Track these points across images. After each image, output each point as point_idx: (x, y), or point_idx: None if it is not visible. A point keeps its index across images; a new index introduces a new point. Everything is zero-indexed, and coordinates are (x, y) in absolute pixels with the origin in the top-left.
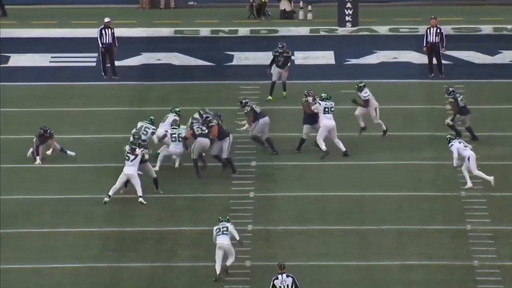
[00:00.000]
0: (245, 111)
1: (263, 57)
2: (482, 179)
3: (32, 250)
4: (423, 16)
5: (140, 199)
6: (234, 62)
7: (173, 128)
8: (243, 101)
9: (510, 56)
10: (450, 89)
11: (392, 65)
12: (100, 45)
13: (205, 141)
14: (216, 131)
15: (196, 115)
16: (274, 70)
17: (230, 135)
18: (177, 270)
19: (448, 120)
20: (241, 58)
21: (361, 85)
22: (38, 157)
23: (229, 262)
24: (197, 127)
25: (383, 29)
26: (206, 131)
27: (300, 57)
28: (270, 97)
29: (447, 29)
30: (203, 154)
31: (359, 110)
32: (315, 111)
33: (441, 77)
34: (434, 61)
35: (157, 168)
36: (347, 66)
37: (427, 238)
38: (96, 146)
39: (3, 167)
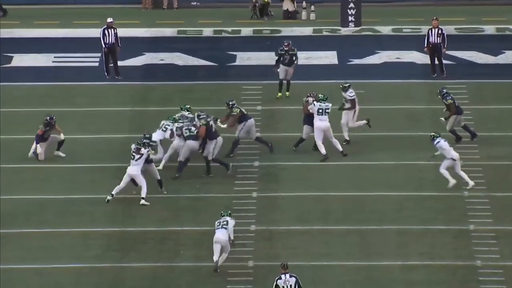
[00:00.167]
0: (234, 112)
1: (266, 57)
2: (465, 180)
3: (33, 250)
4: (426, 16)
5: (142, 201)
6: (237, 62)
7: (181, 123)
8: (230, 103)
9: None
10: (444, 90)
11: (395, 65)
12: (103, 45)
13: (194, 144)
14: (204, 132)
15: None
16: (281, 68)
17: (219, 137)
18: (179, 270)
19: (448, 127)
20: (244, 58)
21: (346, 85)
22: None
23: (221, 260)
24: (185, 129)
25: (386, 29)
26: (195, 132)
27: (303, 57)
28: (279, 94)
29: (449, 29)
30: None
31: (345, 118)
32: (310, 111)
33: (443, 77)
34: (436, 61)
35: (160, 167)
36: (350, 66)
37: (429, 238)
38: (99, 146)
39: (5, 167)
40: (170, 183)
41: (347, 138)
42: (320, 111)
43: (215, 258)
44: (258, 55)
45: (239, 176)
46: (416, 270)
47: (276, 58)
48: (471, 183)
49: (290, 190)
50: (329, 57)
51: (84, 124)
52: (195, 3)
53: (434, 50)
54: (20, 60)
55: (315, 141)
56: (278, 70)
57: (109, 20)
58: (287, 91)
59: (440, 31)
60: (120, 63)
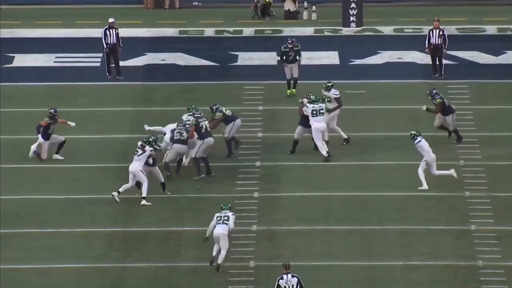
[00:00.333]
0: (216, 116)
1: (268, 57)
2: (445, 175)
3: (36, 250)
4: (427, 16)
5: (143, 201)
6: (239, 62)
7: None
8: (214, 107)
9: None
10: (434, 91)
11: (396, 65)
12: (105, 46)
13: (181, 148)
14: (192, 131)
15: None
16: (286, 67)
17: (208, 138)
18: (181, 270)
19: (436, 124)
20: (246, 58)
21: (329, 84)
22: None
23: (220, 258)
24: (177, 132)
25: (387, 30)
26: (186, 137)
27: (305, 57)
28: (288, 91)
29: (451, 29)
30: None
31: (328, 119)
32: (304, 113)
33: (441, 78)
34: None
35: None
36: (351, 66)
37: (431, 238)
38: (100, 146)
39: (7, 167)
40: (172, 183)
41: (345, 136)
42: (314, 112)
43: (214, 252)
44: (259, 55)
45: (241, 176)
46: (418, 270)
47: (279, 56)
48: (425, 186)
49: (292, 190)
50: (330, 57)
51: (86, 124)
52: (196, 3)
53: (435, 51)
54: (22, 60)
55: (294, 144)
56: (285, 68)
57: (111, 20)
58: (294, 88)
59: (441, 32)
60: (121, 63)
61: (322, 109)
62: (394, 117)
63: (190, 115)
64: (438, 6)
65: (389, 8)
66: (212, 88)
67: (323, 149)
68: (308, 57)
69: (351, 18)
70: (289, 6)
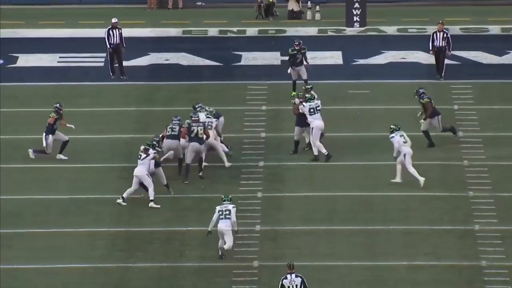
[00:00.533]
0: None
1: (271, 57)
2: (414, 177)
3: (40, 250)
4: (431, 16)
5: (151, 204)
6: (242, 62)
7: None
8: (197, 106)
9: None
10: (421, 90)
11: (400, 65)
12: (108, 46)
13: (173, 143)
14: (184, 133)
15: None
16: (293, 70)
17: (192, 143)
18: (184, 270)
19: (422, 128)
20: (249, 58)
21: (308, 87)
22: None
23: (226, 246)
24: (169, 127)
25: (391, 29)
26: (177, 133)
27: (308, 57)
28: (294, 93)
29: (454, 29)
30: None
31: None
32: (300, 112)
33: (441, 79)
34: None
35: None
36: (355, 66)
37: (434, 238)
38: (104, 146)
39: (10, 167)
40: (176, 184)
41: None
42: (312, 110)
43: (220, 244)
44: (263, 55)
45: (244, 176)
46: (422, 270)
47: (288, 58)
48: (399, 179)
49: (295, 190)
50: (334, 57)
51: (89, 124)
52: (200, 3)
53: (439, 53)
54: (25, 60)
55: (308, 141)
56: (289, 71)
57: (114, 20)
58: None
59: (445, 35)
60: (125, 63)
61: (318, 106)
62: (397, 117)
63: (208, 116)
64: (442, 6)
65: (393, 8)
66: (215, 88)
67: (322, 148)
68: (312, 57)
69: (355, 18)
70: (292, 6)
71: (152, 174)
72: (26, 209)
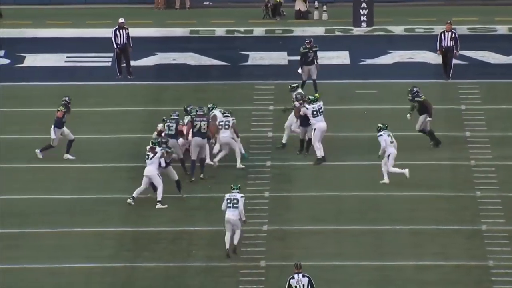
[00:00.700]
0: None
1: (278, 57)
2: (398, 173)
3: (47, 250)
4: (438, 16)
5: (158, 205)
6: (249, 62)
7: (225, 116)
8: (188, 108)
9: None
10: (415, 89)
11: (407, 65)
12: (115, 46)
13: (171, 142)
14: (188, 129)
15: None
16: (304, 69)
17: (195, 138)
18: (191, 270)
19: (418, 126)
20: (256, 58)
21: (294, 85)
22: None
23: (236, 240)
24: (166, 126)
25: (398, 29)
26: (174, 131)
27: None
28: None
29: (462, 29)
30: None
31: (289, 121)
32: (302, 114)
33: (449, 80)
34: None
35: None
36: (362, 66)
37: (442, 238)
38: (111, 146)
39: (18, 167)
40: (183, 183)
41: (284, 142)
42: (315, 112)
43: (226, 241)
44: (270, 55)
45: (252, 176)
46: (430, 270)
47: (299, 57)
48: (386, 181)
49: (303, 190)
50: (341, 57)
51: (96, 124)
52: (207, 3)
53: (447, 54)
54: (33, 60)
55: (301, 144)
56: (299, 71)
57: (121, 20)
58: (316, 91)
59: (453, 35)
60: (132, 63)
61: (321, 108)
62: (404, 117)
63: (226, 116)
64: (449, 6)
65: (400, 8)
66: (222, 88)
67: (319, 150)
68: (319, 57)
69: (362, 18)
70: (299, 5)
71: (162, 175)
72: (34, 209)
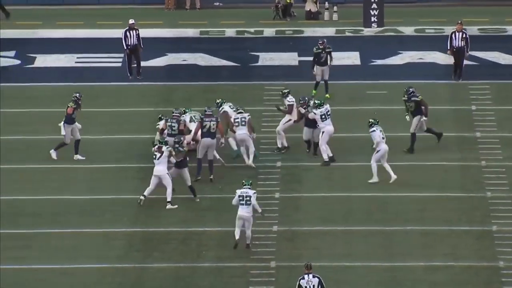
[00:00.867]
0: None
1: (289, 58)
2: (387, 171)
3: (57, 250)
4: (449, 17)
5: (168, 205)
6: (260, 63)
7: (239, 112)
8: (175, 112)
9: None
10: (411, 89)
11: (417, 66)
12: (125, 47)
13: (172, 140)
14: (197, 129)
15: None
16: (317, 69)
17: (204, 139)
18: (201, 270)
19: (412, 129)
20: (267, 58)
21: (286, 91)
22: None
23: (248, 239)
24: (168, 125)
25: (408, 30)
26: (176, 130)
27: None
28: (314, 91)
29: (473, 30)
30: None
31: (282, 125)
32: (311, 118)
33: (460, 81)
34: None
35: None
36: (372, 66)
37: (452, 239)
38: (121, 146)
39: (29, 167)
40: (193, 184)
41: (280, 146)
42: (323, 116)
43: (236, 234)
44: (280, 56)
45: (262, 177)
46: (439, 271)
47: (312, 58)
48: (394, 176)
49: (313, 191)
50: (351, 58)
51: (107, 125)
52: (217, 4)
53: (458, 54)
54: (43, 60)
55: (308, 144)
56: (315, 72)
57: (131, 21)
58: (327, 92)
59: (464, 35)
60: (142, 63)
61: (328, 111)
62: None
63: (240, 112)
64: (460, 7)
65: (410, 9)
66: (233, 88)
67: (325, 153)
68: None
69: (372, 19)
70: (310, 6)
71: (177, 175)
72: (45, 209)
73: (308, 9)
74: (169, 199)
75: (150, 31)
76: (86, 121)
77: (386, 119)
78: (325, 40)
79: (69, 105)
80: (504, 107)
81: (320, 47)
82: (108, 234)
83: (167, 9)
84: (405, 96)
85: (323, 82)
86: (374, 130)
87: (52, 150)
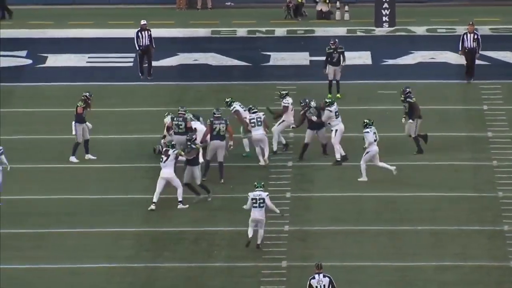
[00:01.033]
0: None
1: (300, 58)
2: (386, 169)
3: (68, 250)
4: (460, 16)
5: (180, 205)
6: (271, 63)
7: (253, 112)
8: (181, 109)
9: None
10: (407, 89)
11: (429, 66)
12: (137, 48)
13: (180, 138)
14: (207, 132)
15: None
16: (329, 69)
17: (213, 141)
18: (212, 270)
19: (412, 133)
20: (278, 58)
21: (284, 92)
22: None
23: (259, 239)
24: (175, 124)
25: (420, 30)
26: (184, 129)
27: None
28: (330, 95)
29: (484, 30)
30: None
31: (279, 126)
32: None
33: (471, 81)
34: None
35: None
36: (384, 66)
37: (463, 239)
38: (132, 146)
39: (40, 167)
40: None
41: (275, 149)
42: (337, 113)
43: (249, 232)
44: (292, 56)
45: (273, 177)
46: (450, 271)
47: (324, 58)
48: (393, 168)
49: (324, 190)
50: (363, 58)
51: (118, 124)
52: (229, 3)
53: (469, 55)
54: (55, 60)
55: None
56: (327, 72)
57: (143, 22)
58: (338, 92)
59: (475, 36)
60: (154, 63)
61: (337, 111)
62: (426, 117)
63: (254, 112)
64: (471, 6)
65: (422, 8)
66: (244, 88)
67: (338, 152)
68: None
69: (384, 18)
70: (321, 6)
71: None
72: (55, 209)
73: (320, 9)
74: (180, 198)
75: (162, 31)
76: (96, 120)
77: (397, 119)
78: (336, 40)
79: (78, 105)
80: None
81: (332, 47)
82: (119, 234)
83: (178, 8)
84: (402, 96)
85: (335, 81)
86: (368, 132)
87: (71, 156)
